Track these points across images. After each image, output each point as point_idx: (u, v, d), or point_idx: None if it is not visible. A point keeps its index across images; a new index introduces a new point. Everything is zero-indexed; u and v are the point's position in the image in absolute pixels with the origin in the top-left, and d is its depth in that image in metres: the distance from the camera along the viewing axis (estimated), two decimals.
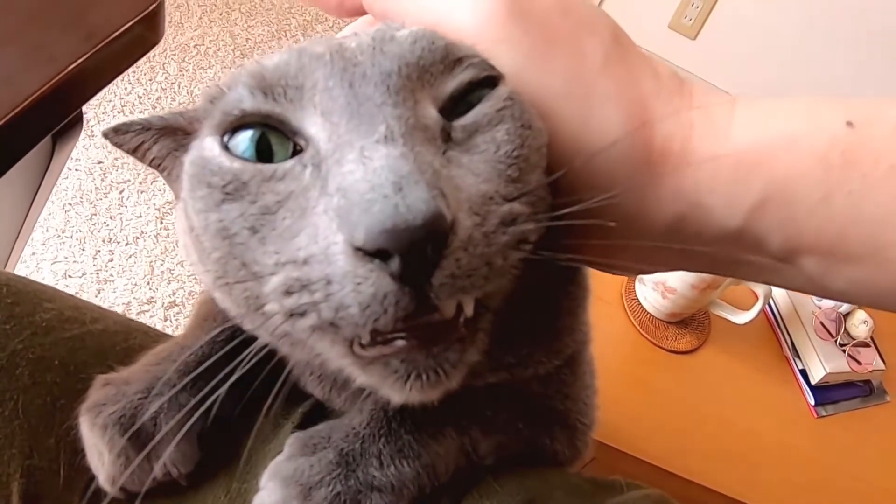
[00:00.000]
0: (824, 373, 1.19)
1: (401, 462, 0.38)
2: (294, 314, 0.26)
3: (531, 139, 0.31)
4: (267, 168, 0.28)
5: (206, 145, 0.30)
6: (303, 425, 0.44)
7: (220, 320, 0.44)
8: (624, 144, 0.33)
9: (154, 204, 1.51)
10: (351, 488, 0.36)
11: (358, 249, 0.24)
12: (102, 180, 1.52)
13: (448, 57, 0.30)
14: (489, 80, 0.31)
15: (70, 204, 1.46)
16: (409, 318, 0.25)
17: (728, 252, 0.36)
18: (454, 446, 0.41)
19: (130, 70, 1.74)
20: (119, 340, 0.46)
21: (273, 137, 0.29)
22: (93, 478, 0.40)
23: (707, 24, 2.11)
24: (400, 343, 0.27)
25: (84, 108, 1.68)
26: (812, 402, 1.21)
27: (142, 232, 1.47)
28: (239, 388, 0.35)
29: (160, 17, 0.53)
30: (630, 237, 0.35)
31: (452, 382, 0.28)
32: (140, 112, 1.67)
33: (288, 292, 0.26)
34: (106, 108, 1.64)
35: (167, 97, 1.72)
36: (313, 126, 0.28)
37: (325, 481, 0.36)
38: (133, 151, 0.35)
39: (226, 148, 0.30)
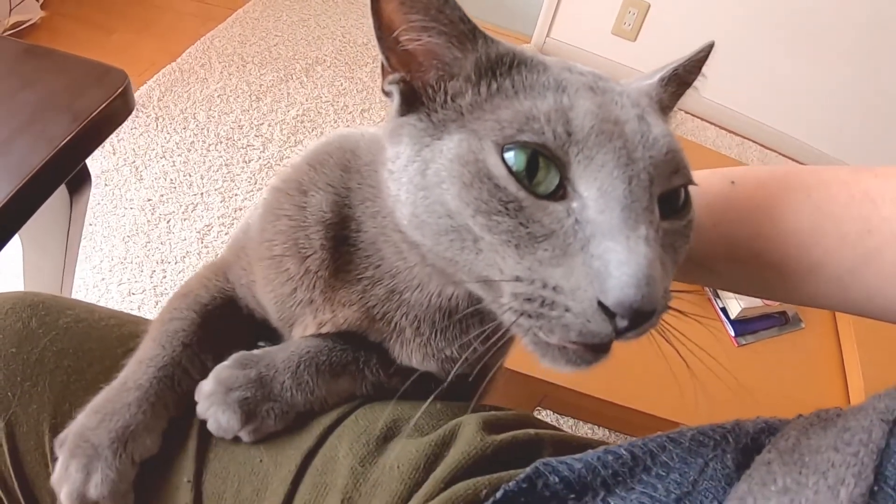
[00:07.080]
0: (740, 308, 1.23)
1: (295, 391, 0.46)
2: (524, 313, 0.32)
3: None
4: (543, 204, 0.33)
5: (491, 160, 0.33)
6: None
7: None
8: None
9: (195, 228, 1.60)
10: (255, 396, 0.45)
11: (600, 303, 0.30)
12: (153, 214, 1.62)
13: (676, 165, 0.36)
14: (685, 187, 0.38)
15: (128, 236, 1.56)
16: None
17: None
18: (347, 389, 0.49)
19: (168, 120, 1.84)
20: (115, 330, 0.53)
21: (543, 162, 0.33)
22: None
23: (644, 28, 2.13)
24: (581, 346, 0.34)
25: (131, 156, 1.76)
26: (732, 333, 1.26)
27: (187, 252, 1.57)
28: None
29: (129, 95, 0.61)
30: None
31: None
32: (178, 155, 1.77)
33: (529, 300, 0.32)
34: (150, 155, 1.74)
35: (199, 141, 1.81)
36: (588, 191, 0.33)
37: (242, 387, 0.45)
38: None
39: (502, 158, 0.33)
